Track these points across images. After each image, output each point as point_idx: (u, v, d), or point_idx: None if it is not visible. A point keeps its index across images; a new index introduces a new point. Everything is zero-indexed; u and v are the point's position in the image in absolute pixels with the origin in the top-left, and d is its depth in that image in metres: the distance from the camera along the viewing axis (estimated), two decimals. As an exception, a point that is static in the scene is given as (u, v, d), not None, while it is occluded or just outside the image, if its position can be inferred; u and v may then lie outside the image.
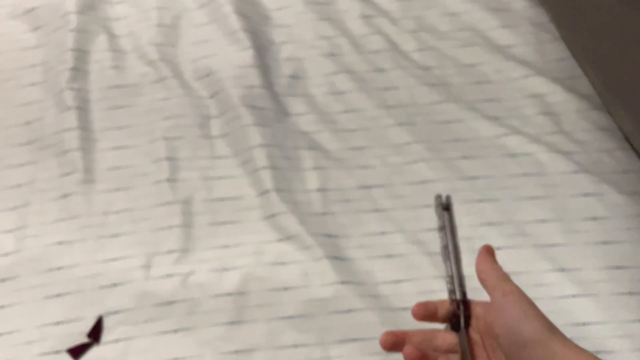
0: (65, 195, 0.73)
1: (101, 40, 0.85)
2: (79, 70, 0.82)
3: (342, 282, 0.64)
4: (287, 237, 0.68)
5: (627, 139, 0.72)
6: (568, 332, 0.59)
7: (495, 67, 0.80)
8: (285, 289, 0.65)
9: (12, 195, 0.73)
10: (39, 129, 0.78)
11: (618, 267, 0.64)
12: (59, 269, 0.68)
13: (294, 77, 0.82)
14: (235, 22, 0.84)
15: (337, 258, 0.66)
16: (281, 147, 0.74)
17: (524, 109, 0.76)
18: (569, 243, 0.66)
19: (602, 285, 0.63)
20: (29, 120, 0.79)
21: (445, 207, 0.51)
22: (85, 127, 0.77)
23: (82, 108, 0.79)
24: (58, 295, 0.66)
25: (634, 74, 0.68)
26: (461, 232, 0.67)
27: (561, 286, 0.63)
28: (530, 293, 0.62)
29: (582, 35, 0.75)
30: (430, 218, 0.53)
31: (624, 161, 0.71)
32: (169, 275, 0.67)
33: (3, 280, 0.67)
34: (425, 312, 0.48)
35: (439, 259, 0.51)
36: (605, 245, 0.65)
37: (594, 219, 0.67)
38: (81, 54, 0.83)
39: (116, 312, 0.65)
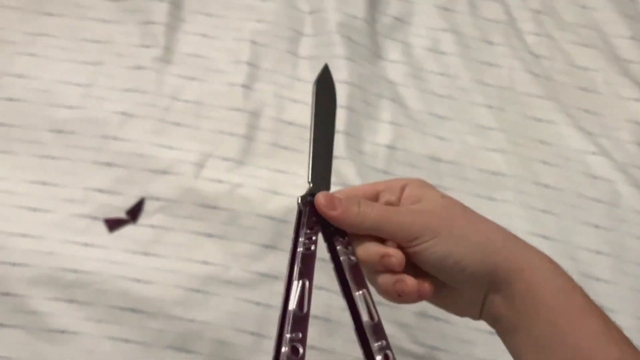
0: (139, 67, 0.71)
1: None
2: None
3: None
4: (342, 184, 0.66)
5: None
6: None
7: (606, 78, 0.74)
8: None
9: (87, 48, 0.71)
10: (126, -12, 0.75)
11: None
12: (114, 138, 0.67)
13: (399, 19, 0.76)
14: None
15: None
16: (364, 90, 0.71)
17: (620, 132, 0.72)
18: (616, 283, 0.64)
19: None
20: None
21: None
22: (176, 3, 0.74)
23: (177, -19, 0.75)
24: (107, 164, 0.66)
25: None
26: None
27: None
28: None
29: None
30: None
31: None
32: (219, 181, 0.66)
33: (60, 131, 0.67)
34: None
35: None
36: (651, 298, 0.64)
37: (649, 267, 0.65)
38: None
39: (158, 199, 0.65)
